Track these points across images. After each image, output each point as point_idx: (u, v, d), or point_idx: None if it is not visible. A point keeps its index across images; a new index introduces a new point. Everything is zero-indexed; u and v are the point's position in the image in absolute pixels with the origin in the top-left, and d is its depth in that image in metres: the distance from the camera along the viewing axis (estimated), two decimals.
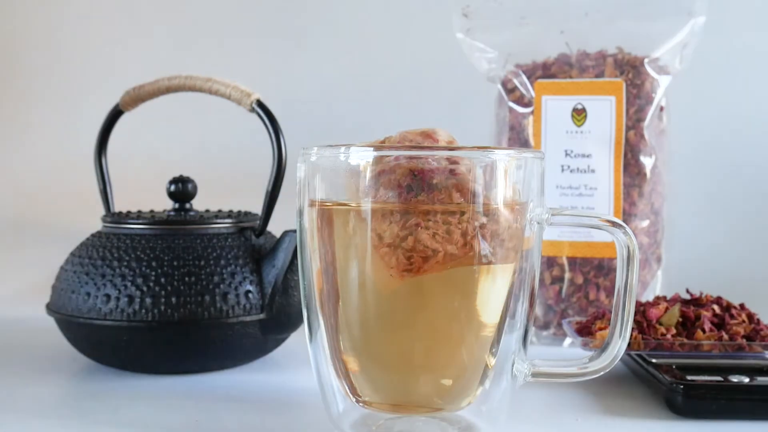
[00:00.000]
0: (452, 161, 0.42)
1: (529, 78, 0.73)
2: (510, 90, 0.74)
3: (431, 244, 0.41)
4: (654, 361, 0.55)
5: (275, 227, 0.64)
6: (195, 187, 0.64)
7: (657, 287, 0.73)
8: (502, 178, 0.42)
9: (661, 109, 0.72)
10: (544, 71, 0.73)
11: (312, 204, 0.44)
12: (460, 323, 0.43)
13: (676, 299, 0.63)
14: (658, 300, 0.63)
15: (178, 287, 0.57)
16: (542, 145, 0.72)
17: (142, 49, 1.15)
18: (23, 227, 1.07)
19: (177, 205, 0.64)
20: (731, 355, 0.56)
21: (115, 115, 0.67)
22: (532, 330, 0.57)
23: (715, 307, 0.61)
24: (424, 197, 0.41)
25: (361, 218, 0.42)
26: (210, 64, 1.08)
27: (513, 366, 0.45)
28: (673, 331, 0.58)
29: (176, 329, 0.56)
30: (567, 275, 0.71)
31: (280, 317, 0.59)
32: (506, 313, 0.44)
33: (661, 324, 0.59)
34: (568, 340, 0.70)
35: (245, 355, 0.60)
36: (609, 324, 0.50)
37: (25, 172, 1.13)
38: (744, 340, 0.57)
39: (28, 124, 1.16)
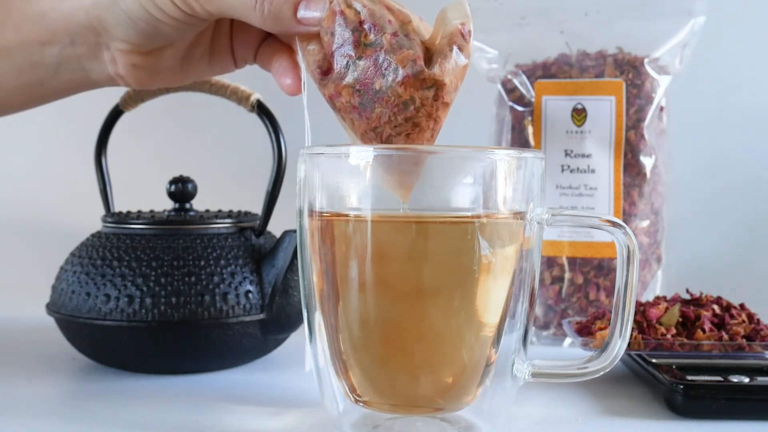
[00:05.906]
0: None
1: (529, 78, 0.73)
2: (510, 90, 0.74)
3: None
4: (654, 361, 0.55)
5: (275, 227, 0.64)
6: (195, 187, 0.64)
7: (657, 287, 0.73)
8: (503, 178, 0.42)
9: (661, 109, 0.72)
10: (544, 71, 0.73)
11: (311, 215, 0.44)
12: (460, 323, 0.43)
13: (676, 299, 0.63)
14: (658, 300, 0.63)
15: (178, 287, 0.57)
16: (542, 145, 0.72)
17: None
18: (23, 227, 1.07)
19: (177, 205, 0.64)
20: (731, 355, 0.56)
21: (115, 115, 0.67)
22: (532, 330, 0.57)
23: (715, 307, 0.61)
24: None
25: (362, 224, 0.42)
26: None
27: (513, 366, 0.45)
28: (673, 331, 0.58)
29: (176, 329, 0.56)
30: (567, 275, 0.71)
31: (280, 317, 0.59)
32: (506, 313, 0.44)
33: (661, 324, 0.59)
34: (568, 340, 0.70)
35: (245, 355, 0.60)
36: (609, 324, 0.50)
37: (25, 172, 1.13)
38: (744, 340, 0.57)
39: (28, 123, 1.15)
